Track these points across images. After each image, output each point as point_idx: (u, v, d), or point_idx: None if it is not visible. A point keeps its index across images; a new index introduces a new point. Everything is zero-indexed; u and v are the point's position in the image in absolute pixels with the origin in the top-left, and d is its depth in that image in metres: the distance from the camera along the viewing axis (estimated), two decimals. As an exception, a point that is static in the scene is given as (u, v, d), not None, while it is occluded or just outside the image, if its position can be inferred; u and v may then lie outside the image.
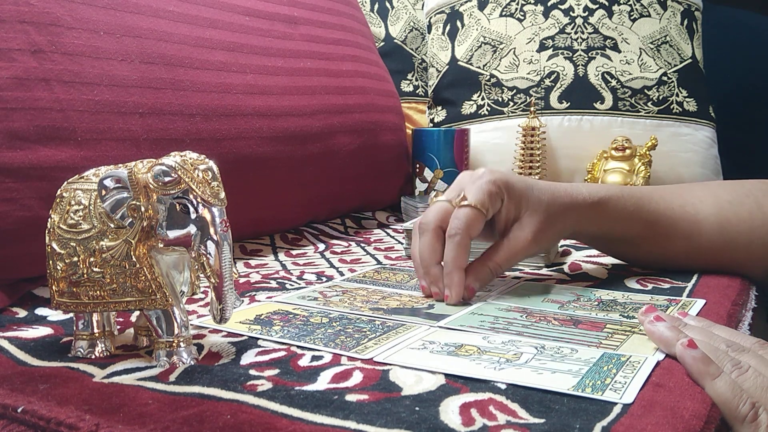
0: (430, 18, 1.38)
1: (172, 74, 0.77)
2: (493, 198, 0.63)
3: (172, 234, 0.45)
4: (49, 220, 0.48)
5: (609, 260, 0.79)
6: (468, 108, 1.30)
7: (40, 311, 0.60)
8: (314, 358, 0.47)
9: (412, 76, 1.42)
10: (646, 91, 1.25)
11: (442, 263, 0.62)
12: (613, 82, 1.25)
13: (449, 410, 0.39)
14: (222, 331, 0.53)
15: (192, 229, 0.45)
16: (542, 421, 0.37)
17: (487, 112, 1.28)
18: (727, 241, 0.70)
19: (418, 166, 1.18)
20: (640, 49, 1.27)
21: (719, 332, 0.50)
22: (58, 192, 0.49)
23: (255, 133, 0.85)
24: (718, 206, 0.71)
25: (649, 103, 1.25)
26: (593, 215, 0.68)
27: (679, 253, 0.72)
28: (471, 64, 1.30)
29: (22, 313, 0.59)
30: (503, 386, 0.42)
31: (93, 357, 0.48)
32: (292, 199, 0.94)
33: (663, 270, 0.74)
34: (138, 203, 0.45)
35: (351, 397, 0.40)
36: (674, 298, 0.62)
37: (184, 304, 0.48)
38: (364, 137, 1.06)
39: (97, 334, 0.48)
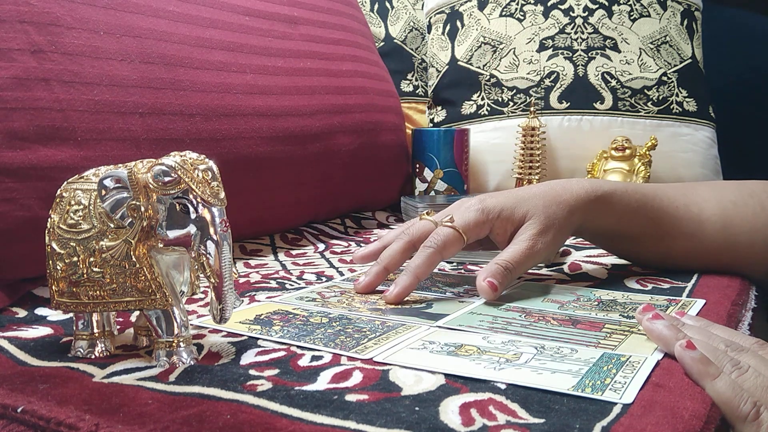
0: (430, 18, 1.38)
1: (172, 74, 0.77)
2: (479, 226, 0.64)
3: (172, 234, 0.45)
4: (49, 220, 0.48)
5: (609, 260, 0.79)
6: (468, 108, 1.30)
7: (40, 311, 0.60)
8: (314, 358, 0.47)
9: (412, 76, 1.42)
10: (646, 91, 1.25)
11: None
12: (613, 82, 1.25)
13: (449, 410, 0.39)
14: (222, 331, 0.53)
15: (192, 229, 0.45)
16: (542, 421, 0.37)
17: (487, 112, 1.28)
18: (730, 242, 0.70)
19: (418, 166, 1.18)
20: (640, 49, 1.27)
21: (717, 332, 0.50)
22: (58, 192, 0.49)
23: (255, 133, 0.85)
24: (721, 206, 0.71)
25: (649, 103, 1.25)
26: (597, 210, 0.68)
27: (682, 253, 0.72)
28: (471, 64, 1.30)
29: (22, 313, 0.59)
30: (503, 386, 0.42)
31: (93, 357, 0.48)
32: (292, 199, 0.94)
33: (664, 270, 0.74)
34: (138, 203, 0.45)
35: (351, 397, 0.40)
36: (674, 298, 0.62)
37: (184, 304, 0.48)
38: (364, 137, 1.06)
39: (97, 334, 0.48)
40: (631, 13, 1.29)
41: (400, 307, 0.60)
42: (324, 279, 0.72)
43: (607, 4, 1.29)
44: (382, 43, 1.40)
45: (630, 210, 0.69)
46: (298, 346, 0.50)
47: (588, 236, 0.76)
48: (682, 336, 0.47)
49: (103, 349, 0.48)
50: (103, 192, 0.45)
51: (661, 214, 0.70)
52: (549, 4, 1.29)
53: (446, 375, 0.44)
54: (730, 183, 0.75)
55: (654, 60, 1.27)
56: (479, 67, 1.30)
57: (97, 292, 0.46)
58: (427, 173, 1.17)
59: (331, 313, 0.58)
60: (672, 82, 1.26)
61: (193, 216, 0.45)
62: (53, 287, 0.48)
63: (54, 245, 0.47)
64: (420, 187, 1.18)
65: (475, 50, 1.30)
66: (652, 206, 0.70)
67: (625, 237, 0.72)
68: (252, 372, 0.45)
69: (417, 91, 1.41)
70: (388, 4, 1.43)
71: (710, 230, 0.70)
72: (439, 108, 1.34)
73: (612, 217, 0.69)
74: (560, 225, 0.65)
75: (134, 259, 0.45)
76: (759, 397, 0.41)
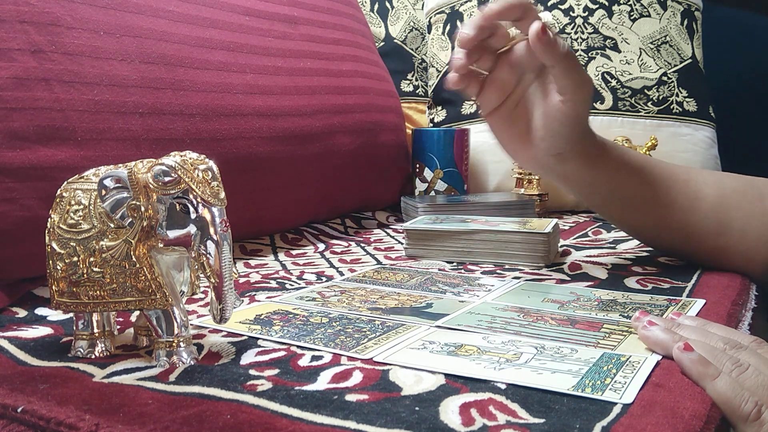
0: (430, 18, 1.38)
1: (172, 74, 0.77)
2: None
3: (172, 234, 0.45)
4: (49, 220, 0.48)
5: (609, 260, 0.79)
6: (468, 108, 1.30)
7: (40, 311, 0.60)
8: (314, 358, 0.47)
9: (412, 76, 1.42)
10: (646, 91, 1.25)
11: None
12: (613, 82, 1.25)
13: (449, 410, 0.39)
14: (222, 331, 0.53)
15: (192, 229, 0.45)
16: (542, 421, 0.37)
17: (487, 112, 1.28)
18: (723, 223, 0.71)
19: (418, 166, 1.18)
20: (640, 49, 1.27)
21: (715, 330, 0.50)
22: (58, 192, 0.49)
23: (255, 133, 0.85)
24: (719, 188, 0.72)
25: (649, 103, 1.25)
26: (605, 148, 0.70)
27: (675, 224, 0.73)
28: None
29: (22, 313, 0.59)
30: (503, 386, 0.42)
31: (93, 357, 0.48)
32: (292, 199, 0.94)
33: (658, 248, 0.75)
34: (138, 203, 0.45)
35: (351, 397, 0.40)
36: (674, 298, 0.62)
37: (184, 304, 0.48)
38: (364, 137, 1.06)
39: (97, 334, 0.48)
40: (631, 13, 1.29)
41: (399, 306, 0.60)
42: (324, 279, 0.72)
43: (607, 4, 1.29)
44: (382, 43, 1.40)
45: (631, 167, 0.71)
46: (298, 346, 0.50)
47: (586, 190, 0.75)
48: (678, 338, 0.47)
49: (103, 349, 0.48)
50: (103, 192, 0.45)
51: (660, 181, 0.72)
52: (549, 4, 1.29)
53: (446, 375, 0.44)
54: (733, 174, 0.76)
55: (654, 60, 1.27)
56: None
57: (97, 292, 0.46)
58: (427, 173, 1.17)
59: (331, 313, 0.58)
60: (672, 82, 1.26)
61: (193, 216, 0.45)
62: (53, 287, 0.48)
63: (54, 245, 0.47)
64: (420, 187, 1.18)
65: (475, 50, 1.30)
66: (651, 171, 0.72)
67: (621, 198, 0.73)
68: (252, 372, 0.45)
69: (417, 91, 1.41)
70: (388, 4, 1.43)
71: (705, 208, 0.71)
72: (439, 108, 1.34)
73: (611, 166, 0.71)
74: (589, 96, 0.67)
75: (134, 259, 0.45)
76: (760, 396, 0.41)
